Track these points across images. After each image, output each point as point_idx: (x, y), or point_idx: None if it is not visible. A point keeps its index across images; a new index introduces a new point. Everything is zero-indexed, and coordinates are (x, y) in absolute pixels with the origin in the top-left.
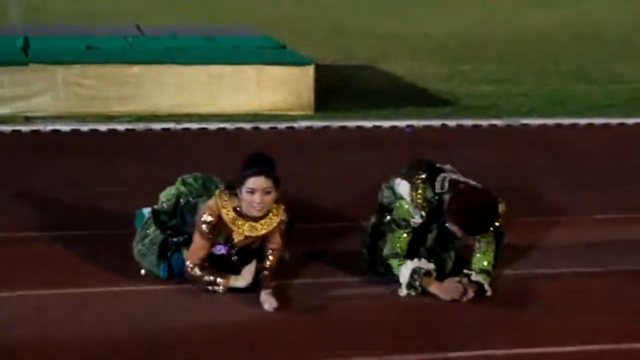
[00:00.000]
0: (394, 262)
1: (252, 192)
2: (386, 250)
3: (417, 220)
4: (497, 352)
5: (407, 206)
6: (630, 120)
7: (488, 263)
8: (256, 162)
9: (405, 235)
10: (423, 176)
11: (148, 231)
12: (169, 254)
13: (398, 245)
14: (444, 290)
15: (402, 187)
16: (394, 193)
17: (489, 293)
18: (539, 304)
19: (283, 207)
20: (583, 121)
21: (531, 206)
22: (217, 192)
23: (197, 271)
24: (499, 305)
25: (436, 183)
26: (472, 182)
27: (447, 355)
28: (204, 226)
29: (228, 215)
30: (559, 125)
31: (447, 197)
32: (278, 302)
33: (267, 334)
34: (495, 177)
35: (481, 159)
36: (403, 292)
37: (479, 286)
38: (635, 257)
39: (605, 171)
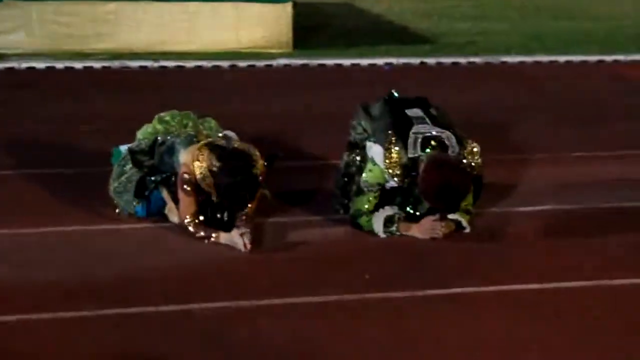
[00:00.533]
0: (362, 220)
1: None
2: (353, 212)
3: (391, 184)
4: (478, 289)
5: (380, 172)
6: (609, 57)
7: (467, 203)
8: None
9: (373, 197)
10: (393, 139)
11: (125, 168)
12: (146, 192)
13: (366, 206)
14: (422, 230)
15: (375, 152)
16: (365, 131)
17: (467, 230)
18: (520, 242)
19: (262, 164)
20: (562, 58)
21: (510, 144)
22: (196, 146)
23: (192, 228)
24: (480, 243)
25: (408, 145)
26: (444, 135)
27: (426, 293)
28: (185, 185)
29: (205, 180)
30: (537, 63)
31: (422, 158)
32: (256, 240)
33: (245, 272)
34: (475, 115)
35: (460, 96)
36: (382, 235)
37: (456, 224)
38: (614, 194)
39: (585, 108)
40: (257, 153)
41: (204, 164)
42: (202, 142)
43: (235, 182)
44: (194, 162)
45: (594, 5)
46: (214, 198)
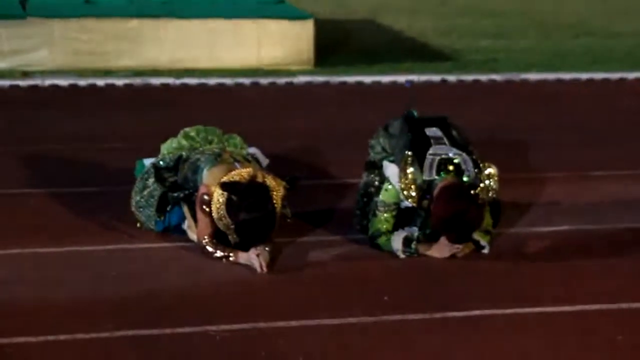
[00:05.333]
0: (381, 240)
1: None
2: (371, 232)
3: (406, 204)
4: (497, 311)
5: (396, 192)
6: (631, 75)
7: (486, 223)
8: (248, 239)
9: (391, 217)
10: (410, 160)
11: (147, 182)
12: (168, 208)
13: (385, 226)
14: (440, 249)
15: (391, 172)
16: (384, 149)
17: (486, 250)
18: (538, 263)
19: (282, 191)
20: (584, 76)
21: (530, 162)
22: (215, 169)
23: (210, 248)
24: (499, 264)
25: (424, 167)
26: (461, 158)
27: (446, 315)
28: (204, 206)
29: (222, 221)
30: (559, 80)
31: (436, 182)
32: (273, 261)
33: (263, 294)
34: (495, 133)
35: (481, 114)
36: (401, 255)
37: (475, 244)
38: (633, 214)
39: (605, 126)
40: (275, 182)
41: (222, 199)
42: (222, 175)
43: (251, 220)
44: (216, 192)
45: (614, 23)
46: (231, 239)
